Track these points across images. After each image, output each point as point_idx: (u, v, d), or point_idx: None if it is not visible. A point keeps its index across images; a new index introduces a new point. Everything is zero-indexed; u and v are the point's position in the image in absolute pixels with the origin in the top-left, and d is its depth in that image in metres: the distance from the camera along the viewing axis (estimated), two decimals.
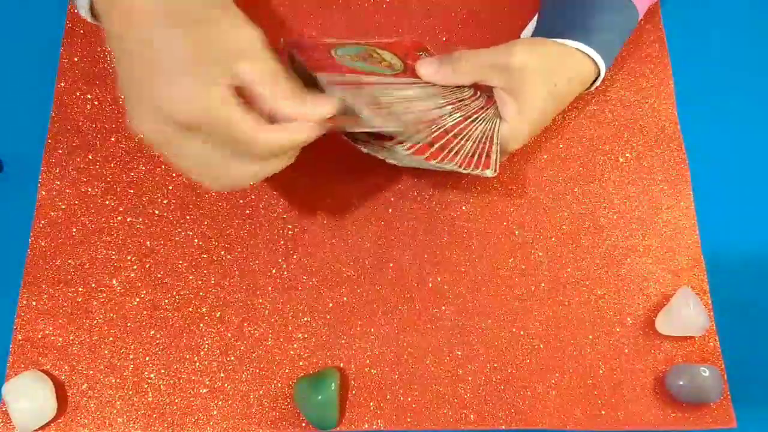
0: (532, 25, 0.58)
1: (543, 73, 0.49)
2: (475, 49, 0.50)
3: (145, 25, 0.38)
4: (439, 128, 0.47)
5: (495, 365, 0.53)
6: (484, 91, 0.51)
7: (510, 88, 0.49)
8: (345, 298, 0.54)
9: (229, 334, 0.53)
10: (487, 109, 0.50)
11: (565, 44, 0.51)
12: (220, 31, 0.39)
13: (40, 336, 0.52)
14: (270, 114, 0.39)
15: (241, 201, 0.56)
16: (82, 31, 0.60)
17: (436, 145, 0.46)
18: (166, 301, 0.53)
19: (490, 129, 0.49)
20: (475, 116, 0.49)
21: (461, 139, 0.48)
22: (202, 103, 0.37)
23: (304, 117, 0.40)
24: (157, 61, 0.37)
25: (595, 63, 0.52)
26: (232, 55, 0.38)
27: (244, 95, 0.39)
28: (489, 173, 0.48)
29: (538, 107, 0.50)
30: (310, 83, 0.44)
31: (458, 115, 0.48)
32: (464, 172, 0.47)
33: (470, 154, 0.48)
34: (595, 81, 0.54)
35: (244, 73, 0.39)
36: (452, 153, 0.47)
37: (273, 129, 0.39)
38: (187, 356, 0.52)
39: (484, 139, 0.49)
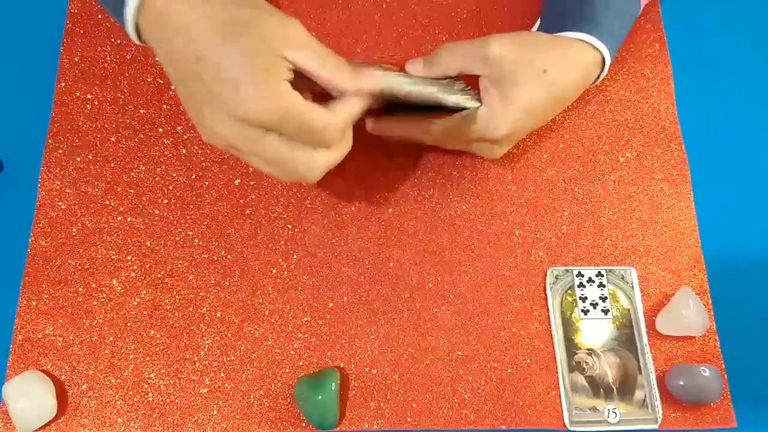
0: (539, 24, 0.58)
1: (525, 62, 0.50)
2: (456, 41, 0.51)
3: (196, 45, 0.40)
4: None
5: (495, 365, 0.53)
6: (474, 85, 0.52)
7: (492, 77, 0.50)
8: (345, 298, 0.54)
9: (230, 334, 0.53)
10: (473, 96, 0.52)
11: (563, 36, 0.51)
12: (265, 30, 0.41)
13: (40, 336, 0.52)
14: (323, 92, 0.44)
15: (241, 201, 0.56)
16: (82, 31, 0.60)
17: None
18: (167, 301, 0.53)
19: (463, 101, 0.51)
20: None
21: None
22: (274, 102, 0.40)
23: (359, 87, 0.44)
24: (219, 74, 0.40)
25: (599, 52, 0.52)
26: (284, 48, 0.41)
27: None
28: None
29: (526, 96, 0.50)
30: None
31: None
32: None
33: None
34: (602, 72, 0.54)
35: (297, 60, 0.42)
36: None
37: (337, 110, 0.43)
38: (188, 356, 0.52)
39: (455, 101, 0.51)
